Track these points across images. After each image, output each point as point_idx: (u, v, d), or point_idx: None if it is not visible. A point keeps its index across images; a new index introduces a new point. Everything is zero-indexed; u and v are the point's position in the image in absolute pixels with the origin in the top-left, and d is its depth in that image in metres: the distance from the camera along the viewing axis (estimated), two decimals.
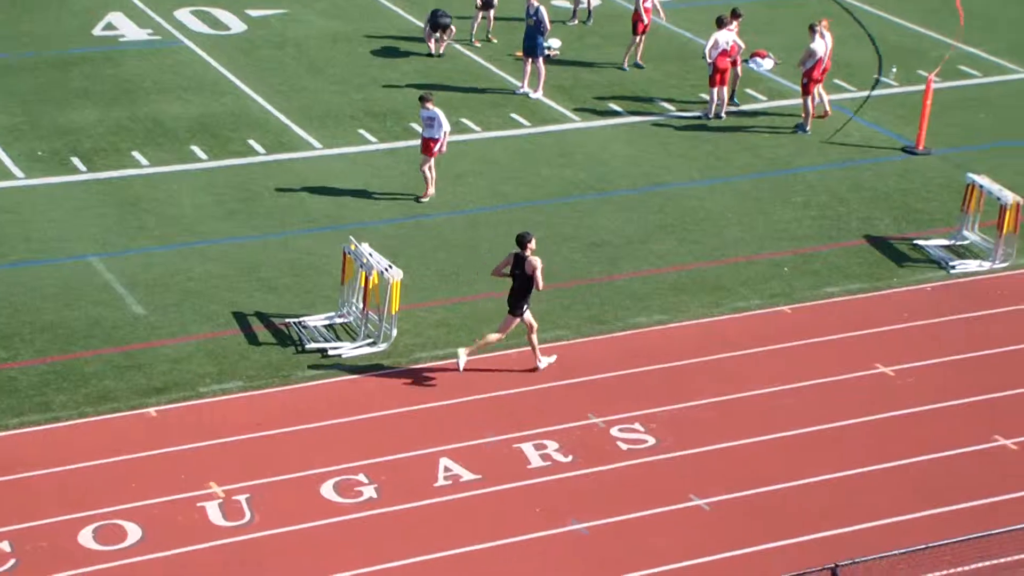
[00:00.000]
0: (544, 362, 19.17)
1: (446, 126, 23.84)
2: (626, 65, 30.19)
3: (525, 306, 18.84)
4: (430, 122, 23.84)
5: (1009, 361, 19.68)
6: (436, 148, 23.89)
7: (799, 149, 26.66)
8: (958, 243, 22.97)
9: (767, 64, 29.66)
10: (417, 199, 24.03)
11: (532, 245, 18.73)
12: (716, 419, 18.21)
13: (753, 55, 29.52)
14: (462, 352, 18.91)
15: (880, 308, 21.08)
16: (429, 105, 23.76)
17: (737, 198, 24.62)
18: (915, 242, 23.08)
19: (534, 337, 19.05)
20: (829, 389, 18.97)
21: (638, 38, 30.10)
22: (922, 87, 27.07)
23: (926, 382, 19.13)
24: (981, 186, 22.69)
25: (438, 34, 30.34)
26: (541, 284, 18.72)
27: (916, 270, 22.24)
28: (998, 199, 22.25)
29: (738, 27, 28.00)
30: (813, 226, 23.65)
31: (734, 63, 27.96)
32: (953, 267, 22.24)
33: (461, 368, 18.86)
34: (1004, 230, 22.17)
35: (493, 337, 19.00)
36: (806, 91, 27.24)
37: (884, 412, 18.43)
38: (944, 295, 21.53)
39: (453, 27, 30.28)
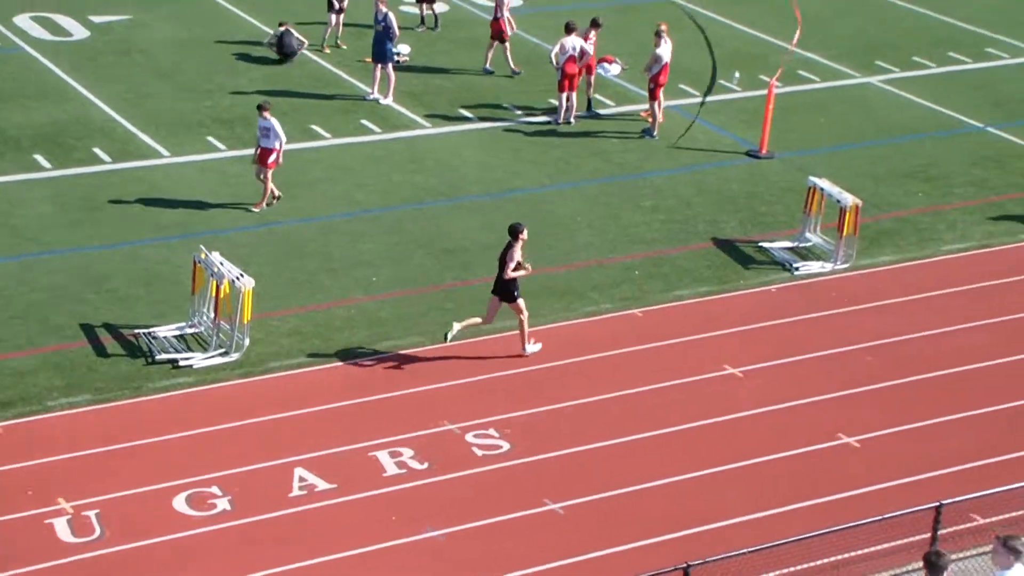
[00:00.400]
0: (532, 349, 19.84)
1: (283, 136, 23.63)
2: (510, 65, 30.40)
3: (515, 292, 19.53)
4: (266, 132, 23.53)
5: (850, 360, 20.23)
6: (272, 159, 23.63)
7: (647, 154, 27.06)
8: (801, 245, 23.53)
9: (614, 69, 30.04)
10: (276, 198, 23.87)
11: (523, 236, 19.57)
12: (570, 423, 18.41)
13: (601, 60, 29.85)
14: (455, 325, 19.62)
15: (727, 310, 21.51)
16: (266, 115, 23.51)
17: (587, 203, 24.91)
18: (760, 244, 23.58)
19: (524, 320, 19.72)
20: (679, 391, 19.30)
21: (496, 43, 30.32)
22: (764, 92, 27.69)
23: (773, 382, 19.57)
24: (822, 189, 23.27)
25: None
26: (512, 274, 19.36)
27: (761, 272, 22.73)
28: (838, 201, 22.84)
29: (596, 36, 28.39)
30: (662, 230, 24.04)
31: (589, 70, 28.34)
32: (796, 268, 22.78)
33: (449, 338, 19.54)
34: (844, 232, 22.77)
35: (475, 320, 19.79)
36: (653, 96, 27.67)
37: (733, 413, 18.81)
38: (789, 296, 22.04)
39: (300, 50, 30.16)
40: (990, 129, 28.71)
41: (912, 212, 24.98)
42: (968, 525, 15.61)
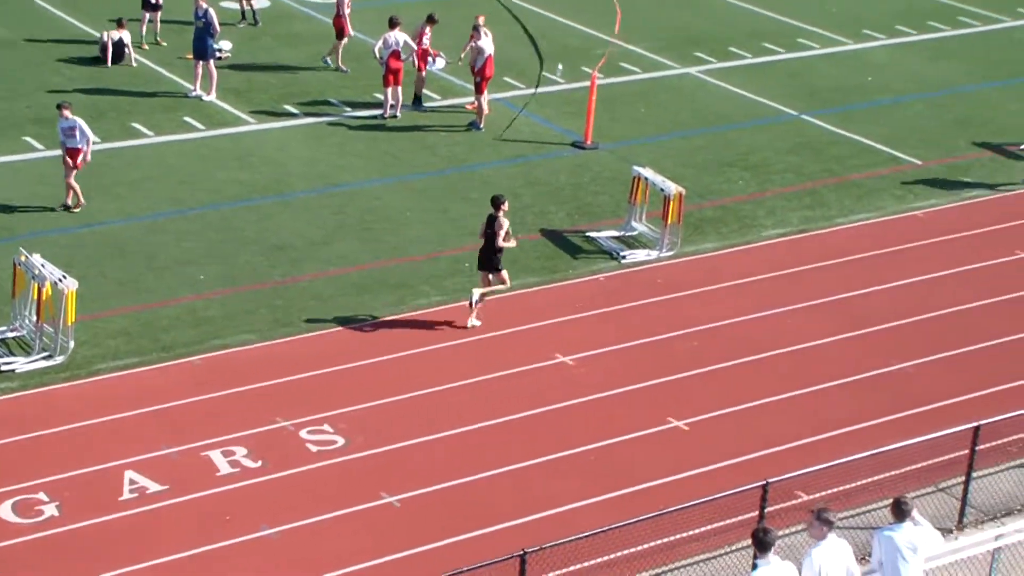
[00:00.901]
0: (474, 322, 20.59)
1: (90, 135, 23.13)
2: (337, 62, 30.24)
3: (499, 262, 20.55)
4: (70, 132, 22.92)
5: (677, 345, 20.63)
6: (80, 159, 23.10)
7: (474, 146, 27.20)
8: (627, 234, 23.90)
9: (439, 63, 30.12)
10: (68, 208, 23.28)
11: (505, 207, 20.58)
12: (404, 416, 18.43)
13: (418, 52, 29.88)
14: (476, 292, 20.57)
15: (557, 299, 21.75)
16: (67, 113, 22.93)
17: (416, 196, 24.94)
18: (588, 234, 23.90)
19: (486, 294, 20.69)
20: (512, 381, 19.46)
21: (340, 42, 30.16)
22: (587, 84, 28.04)
23: (603, 369, 19.86)
24: (646, 178, 23.67)
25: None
26: (504, 243, 20.50)
27: (590, 261, 23.03)
28: (662, 190, 23.26)
29: (431, 31, 28.44)
30: None
31: (422, 66, 28.39)
32: (624, 257, 23.14)
33: (473, 303, 20.53)
34: (668, 220, 23.20)
35: (499, 286, 20.85)
36: (479, 89, 27.82)
37: (565, 400, 19.04)
38: (616, 284, 22.37)
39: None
40: (804, 117, 29.51)
41: (734, 199, 25.56)
42: (794, 502, 16.07)
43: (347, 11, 30.22)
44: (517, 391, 19.19)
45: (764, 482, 15.01)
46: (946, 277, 22.96)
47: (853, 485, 16.37)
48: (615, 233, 23.94)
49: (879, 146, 28.10)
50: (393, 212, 24.28)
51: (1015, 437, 17.65)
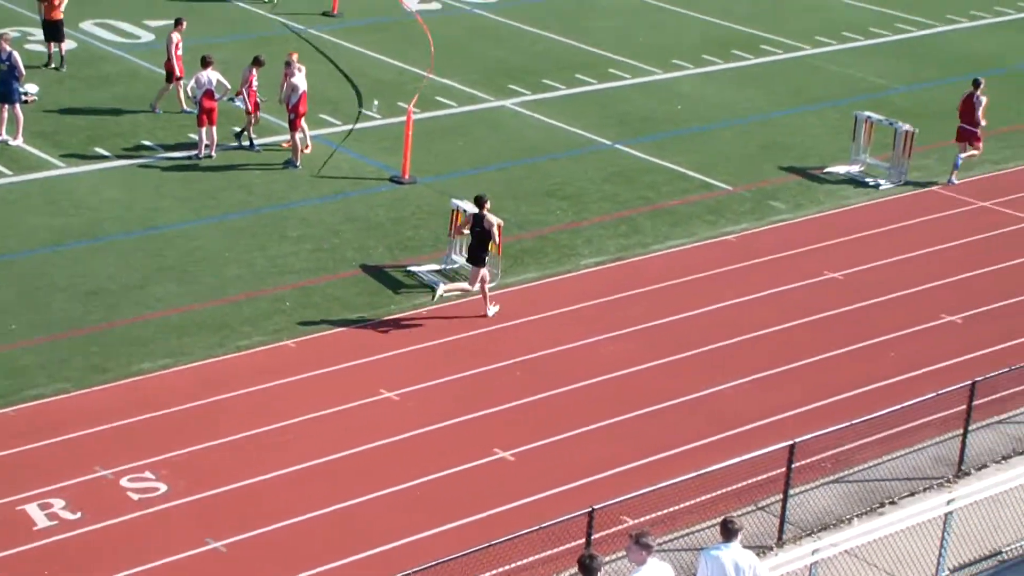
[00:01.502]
0: (492, 310, 22.31)
1: None
2: (156, 103, 29.76)
3: (486, 257, 22.07)
4: None
5: (501, 376, 20.80)
6: None
7: (291, 184, 27.07)
8: (448, 267, 24.04)
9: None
10: None
11: (488, 205, 22.22)
12: (227, 460, 18.21)
13: (238, 94, 29.63)
14: (441, 286, 22.56)
15: (380, 335, 21.75)
16: None
17: (233, 236, 24.72)
18: (409, 268, 23.96)
19: (486, 287, 22.31)
20: (337, 418, 19.39)
21: (171, 85, 29.69)
22: (403, 119, 28.15)
23: (428, 403, 19.91)
24: (465, 211, 23.86)
25: None
26: (498, 240, 22.33)
27: (411, 296, 23.10)
28: None
29: (258, 72, 28.20)
30: (311, 259, 24.10)
31: (255, 106, 28.13)
32: (445, 291, 23.25)
33: (435, 299, 22.50)
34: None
35: (465, 286, 22.54)
36: (293, 126, 27.72)
37: (392, 436, 19.04)
38: (438, 318, 22.46)
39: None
40: (618, 146, 30.07)
41: (552, 229, 25.90)
42: (620, 527, 16.32)
43: (178, 52, 29.74)
44: (343, 429, 19.13)
45: (590, 508, 15.22)
46: (757, 299, 23.60)
47: (677, 507, 16.71)
48: (436, 267, 24.06)
49: (691, 173, 28.78)
50: (211, 253, 24.02)
51: (829, 453, 18.20)
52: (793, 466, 16.86)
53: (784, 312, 23.13)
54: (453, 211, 24.06)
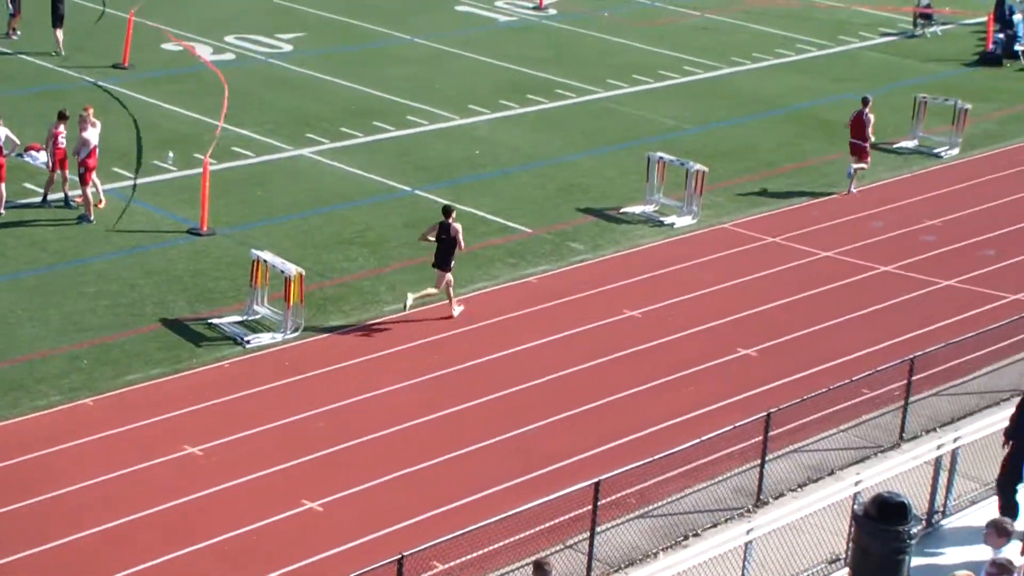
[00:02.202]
0: (457, 310, 24.25)
1: None
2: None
3: (452, 262, 24.05)
4: None
5: (305, 426, 20.67)
6: None
7: (86, 239, 26.53)
8: (250, 318, 23.83)
9: (42, 157, 29.21)
10: None
11: (454, 215, 24.35)
12: (12, 527, 17.70)
13: (28, 149, 29.03)
14: (410, 296, 23.73)
15: (182, 389, 21.42)
16: None
17: (26, 294, 24.10)
18: (210, 321, 23.67)
19: (451, 290, 24.30)
20: (141, 476, 19.02)
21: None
22: (199, 170, 27.85)
23: (233, 457, 19.68)
24: (265, 260, 23.71)
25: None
26: (463, 245, 24.24)
27: (214, 348, 22.82)
28: (282, 272, 23.35)
29: (65, 127, 27.54)
30: (108, 315, 23.64)
31: (61, 163, 27.44)
32: (248, 342, 23.03)
33: (407, 307, 23.76)
34: (291, 301, 23.31)
35: (432, 290, 24.07)
36: (84, 181, 27.19)
37: (197, 492, 18.75)
38: (242, 370, 22.24)
39: None
40: (418, 192, 30.23)
41: (354, 277, 25.89)
42: (431, 572, 16.35)
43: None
44: (146, 487, 18.76)
45: (399, 556, 15.20)
46: (560, 340, 23.95)
47: (488, 549, 16.82)
48: (238, 318, 23.83)
49: (491, 217, 29.08)
50: (2, 312, 23.37)
51: (633, 489, 18.54)
52: (599, 503, 17.12)
53: (586, 351, 23.52)
54: (253, 261, 23.88)
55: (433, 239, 24.33)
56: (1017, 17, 43.34)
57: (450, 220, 24.25)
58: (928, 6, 44.77)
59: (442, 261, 24.23)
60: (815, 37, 43.73)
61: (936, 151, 34.39)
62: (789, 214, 30.54)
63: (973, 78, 40.59)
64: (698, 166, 29.66)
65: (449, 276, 24.16)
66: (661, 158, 30.14)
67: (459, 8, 46.27)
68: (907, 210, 30.81)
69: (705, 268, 27.36)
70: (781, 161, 32.53)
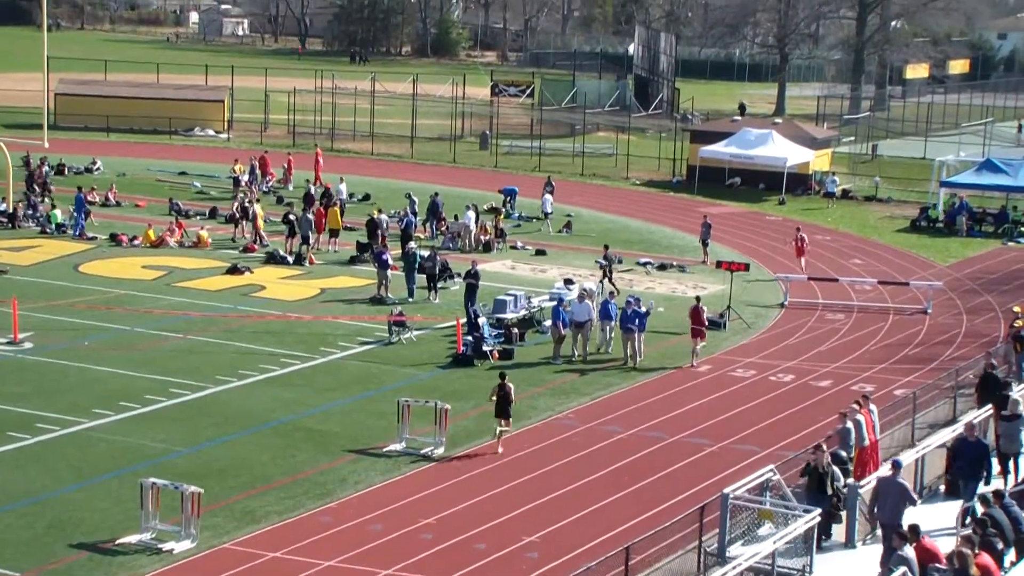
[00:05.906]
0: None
1: None
2: None
3: None
4: None
5: None
6: None
7: None
8: None
9: None
10: None
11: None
12: None
13: None
14: None
15: None
16: None
17: None
18: None
19: None
20: None
21: None
22: None
23: None
24: None
25: None
26: None
27: None
28: None
29: None
30: None
31: None
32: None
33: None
34: None
35: None
36: None
37: None
38: None
39: None
40: None
41: None
42: None
43: None
44: None
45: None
46: None
47: None
48: None
49: None
50: None
51: None
52: None
53: None
54: None
55: None
56: (482, 320, 46.41)
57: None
58: (400, 314, 47.09)
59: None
60: (298, 351, 44.82)
61: (423, 451, 35.68)
62: (291, 526, 30.58)
63: (449, 378, 42.74)
64: (193, 488, 29.33)
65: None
66: (154, 483, 29.59)
67: None
68: (403, 511, 31.61)
69: None
70: (276, 475, 32.66)
